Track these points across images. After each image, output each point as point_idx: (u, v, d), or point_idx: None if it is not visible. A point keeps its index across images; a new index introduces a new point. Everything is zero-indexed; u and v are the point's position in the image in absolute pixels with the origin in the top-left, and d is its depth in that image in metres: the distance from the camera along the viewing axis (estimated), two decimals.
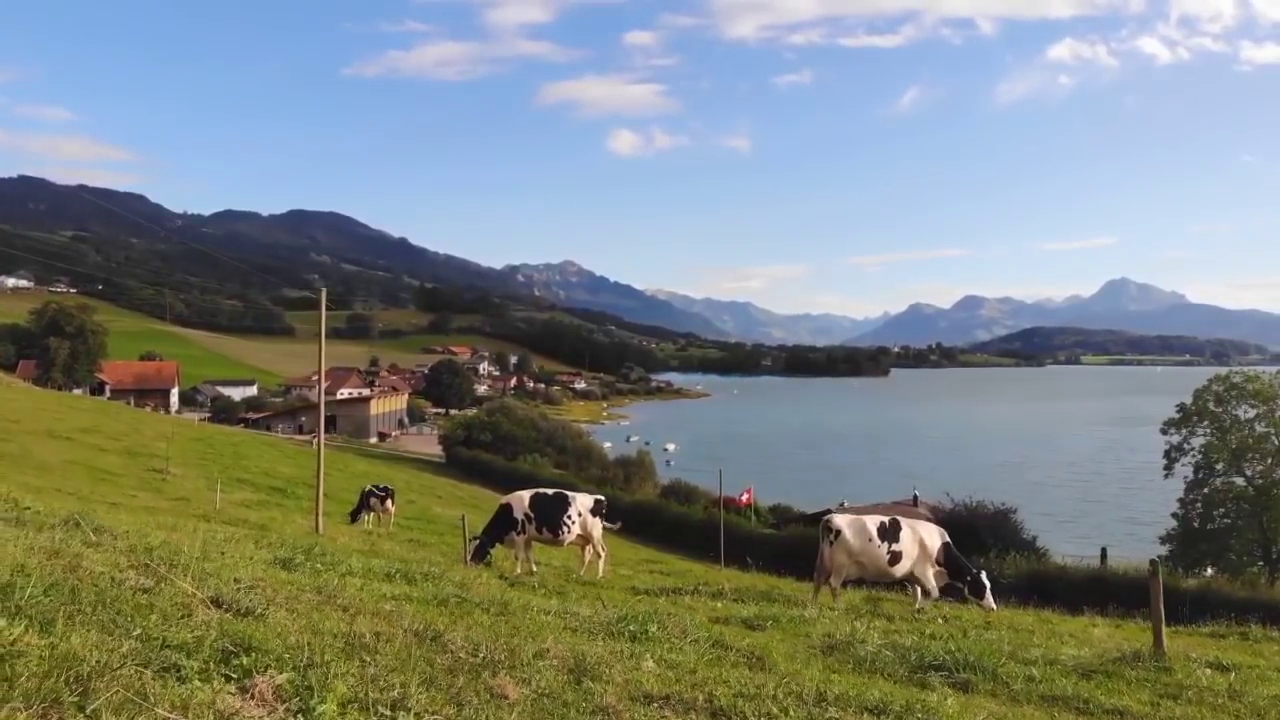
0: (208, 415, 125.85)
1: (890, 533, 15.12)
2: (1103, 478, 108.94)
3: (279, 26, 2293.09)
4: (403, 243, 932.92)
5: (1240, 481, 51.62)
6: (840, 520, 15.54)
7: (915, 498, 61.60)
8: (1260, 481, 50.44)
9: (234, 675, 4.44)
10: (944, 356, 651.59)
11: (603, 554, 16.88)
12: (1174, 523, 54.12)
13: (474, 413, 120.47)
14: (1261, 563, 48.34)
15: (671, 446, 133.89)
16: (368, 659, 5.11)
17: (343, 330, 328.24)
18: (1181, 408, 55.45)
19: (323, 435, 21.28)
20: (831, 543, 15.23)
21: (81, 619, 4.60)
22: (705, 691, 6.06)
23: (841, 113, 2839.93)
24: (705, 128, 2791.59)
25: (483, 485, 73.88)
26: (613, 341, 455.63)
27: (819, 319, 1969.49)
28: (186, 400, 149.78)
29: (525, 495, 17.22)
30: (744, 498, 58.89)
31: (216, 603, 5.62)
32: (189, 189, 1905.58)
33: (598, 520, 17.00)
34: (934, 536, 15.33)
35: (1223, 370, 61.52)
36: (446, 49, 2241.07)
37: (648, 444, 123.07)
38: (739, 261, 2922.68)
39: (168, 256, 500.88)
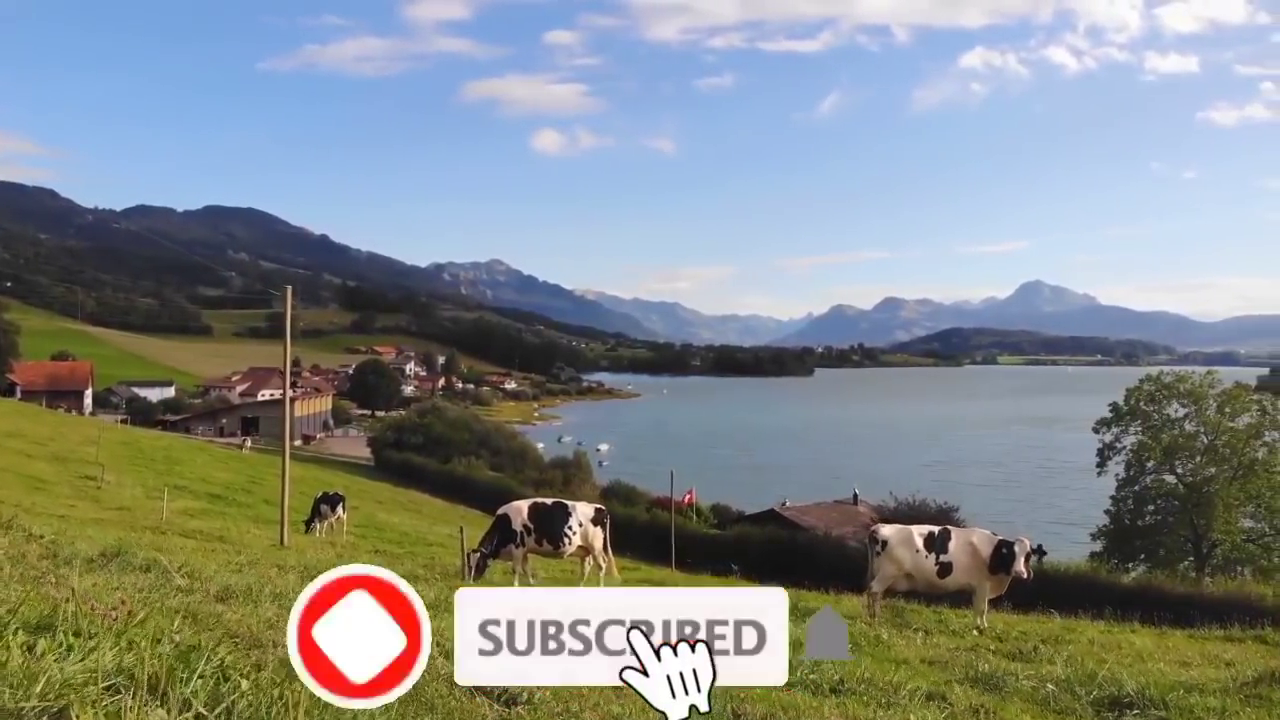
0: (124, 417, 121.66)
1: (939, 543, 14.56)
2: (1028, 476, 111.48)
3: (191, 18, 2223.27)
4: (323, 240, 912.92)
5: (1171, 479, 53.11)
6: (887, 530, 15.19)
7: (855, 496, 62.29)
8: (1190, 479, 51.98)
9: None
10: (866, 357, 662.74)
11: (604, 565, 16.39)
12: (1103, 520, 55.57)
13: (403, 414, 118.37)
14: (1191, 558, 49.92)
15: (604, 447, 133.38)
16: None
17: (262, 329, 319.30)
18: (1114, 407, 56.83)
19: (288, 441, 20.40)
20: (878, 553, 14.85)
21: None
22: None
23: (763, 116, 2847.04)
24: (630, 128, 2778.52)
25: (419, 490, 72.62)
26: (542, 341, 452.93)
27: (745, 320, 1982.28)
28: (101, 402, 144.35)
29: (523, 505, 16.59)
30: (686, 498, 58.93)
31: None
32: (100, 183, 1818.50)
33: (599, 530, 16.49)
34: (986, 543, 14.63)
35: (1144, 370, 63.38)
36: (365, 44, 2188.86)
37: (580, 444, 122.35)
38: (667, 262, 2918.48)
39: (78, 253, 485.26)
